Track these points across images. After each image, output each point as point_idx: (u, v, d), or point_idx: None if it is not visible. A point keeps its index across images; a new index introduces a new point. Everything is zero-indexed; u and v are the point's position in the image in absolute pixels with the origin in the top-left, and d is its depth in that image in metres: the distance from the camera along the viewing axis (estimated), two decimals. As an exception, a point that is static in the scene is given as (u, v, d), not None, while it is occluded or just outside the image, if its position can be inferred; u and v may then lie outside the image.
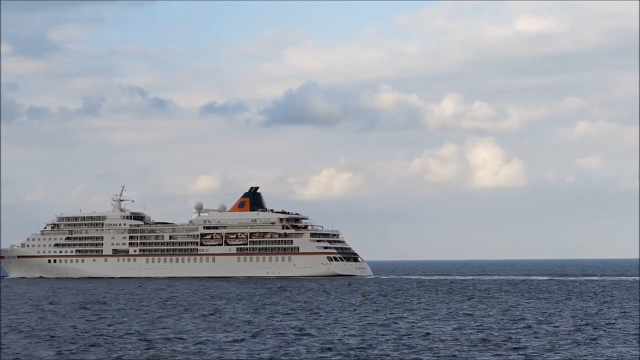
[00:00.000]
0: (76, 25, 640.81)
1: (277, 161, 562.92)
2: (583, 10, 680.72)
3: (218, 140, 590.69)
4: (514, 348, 65.57)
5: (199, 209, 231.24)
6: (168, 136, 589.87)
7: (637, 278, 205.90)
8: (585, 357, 61.22)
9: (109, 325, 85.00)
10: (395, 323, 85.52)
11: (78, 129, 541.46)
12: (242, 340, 71.49)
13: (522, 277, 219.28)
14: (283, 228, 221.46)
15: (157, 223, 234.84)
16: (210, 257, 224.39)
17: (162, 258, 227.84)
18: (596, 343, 68.50)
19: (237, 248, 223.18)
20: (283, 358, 61.62)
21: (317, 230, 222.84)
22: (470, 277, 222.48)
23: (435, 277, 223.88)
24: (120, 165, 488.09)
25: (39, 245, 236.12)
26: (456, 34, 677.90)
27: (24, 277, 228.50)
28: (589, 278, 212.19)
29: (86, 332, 79.07)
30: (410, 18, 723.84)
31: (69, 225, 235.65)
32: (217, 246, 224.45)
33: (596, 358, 61.04)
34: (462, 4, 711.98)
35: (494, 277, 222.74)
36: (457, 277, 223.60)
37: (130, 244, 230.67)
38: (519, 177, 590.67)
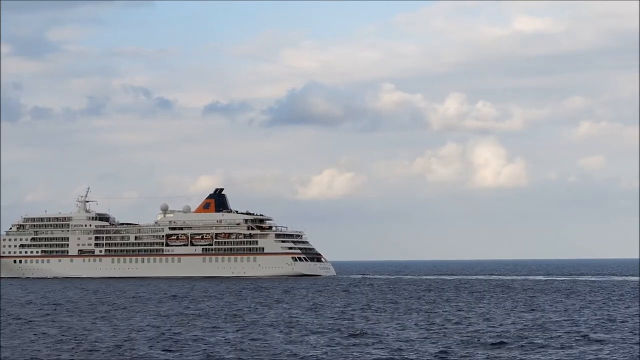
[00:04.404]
0: (75, 26, 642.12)
1: (279, 161, 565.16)
2: (580, 11, 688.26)
3: (220, 140, 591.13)
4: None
5: (165, 209, 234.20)
6: (170, 136, 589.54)
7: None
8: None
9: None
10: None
11: (81, 129, 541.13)
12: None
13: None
14: (248, 229, 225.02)
15: (123, 224, 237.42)
16: (176, 258, 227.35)
17: (127, 258, 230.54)
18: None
19: (203, 248, 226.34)
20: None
21: (281, 230, 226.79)
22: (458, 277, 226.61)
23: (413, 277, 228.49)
24: (122, 165, 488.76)
25: (4, 246, 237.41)
26: (454, 34, 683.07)
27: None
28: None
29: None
30: (408, 18, 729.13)
31: (34, 226, 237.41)
32: (182, 247, 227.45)
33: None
34: (459, 4, 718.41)
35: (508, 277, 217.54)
36: (460, 277, 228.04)
37: (96, 244, 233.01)
38: (521, 177, 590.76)
